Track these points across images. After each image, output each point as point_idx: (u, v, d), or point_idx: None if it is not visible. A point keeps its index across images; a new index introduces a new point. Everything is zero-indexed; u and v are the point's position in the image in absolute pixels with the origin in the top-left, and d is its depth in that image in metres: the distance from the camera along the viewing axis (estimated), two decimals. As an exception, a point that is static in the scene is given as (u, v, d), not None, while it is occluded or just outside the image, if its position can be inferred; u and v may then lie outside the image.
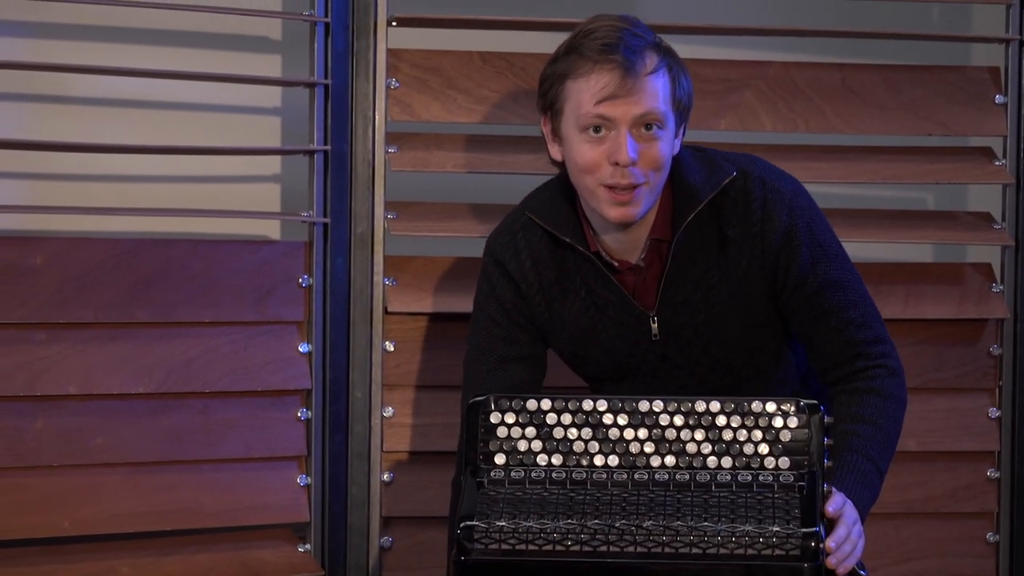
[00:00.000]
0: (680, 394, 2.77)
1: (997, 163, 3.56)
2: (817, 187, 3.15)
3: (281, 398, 3.37)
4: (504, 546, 2.53)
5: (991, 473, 3.57)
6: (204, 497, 3.32)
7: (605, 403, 2.68)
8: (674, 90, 2.75)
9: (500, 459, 2.68)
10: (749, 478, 2.63)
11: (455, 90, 3.42)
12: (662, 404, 2.67)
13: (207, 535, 3.35)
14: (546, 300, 2.88)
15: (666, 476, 2.64)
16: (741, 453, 2.65)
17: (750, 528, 2.53)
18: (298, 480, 3.38)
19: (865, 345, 2.82)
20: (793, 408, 2.65)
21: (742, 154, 2.90)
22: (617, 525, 2.54)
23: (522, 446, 2.68)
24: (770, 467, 2.64)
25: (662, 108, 2.72)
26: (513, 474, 2.66)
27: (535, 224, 2.87)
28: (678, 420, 2.67)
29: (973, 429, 3.56)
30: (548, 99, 2.78)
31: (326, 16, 3.35)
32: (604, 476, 2.65)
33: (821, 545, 2.52)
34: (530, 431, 2.69)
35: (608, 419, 2.68)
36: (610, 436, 2.67)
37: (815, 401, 2.66)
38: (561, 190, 2.86)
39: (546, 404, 2.69)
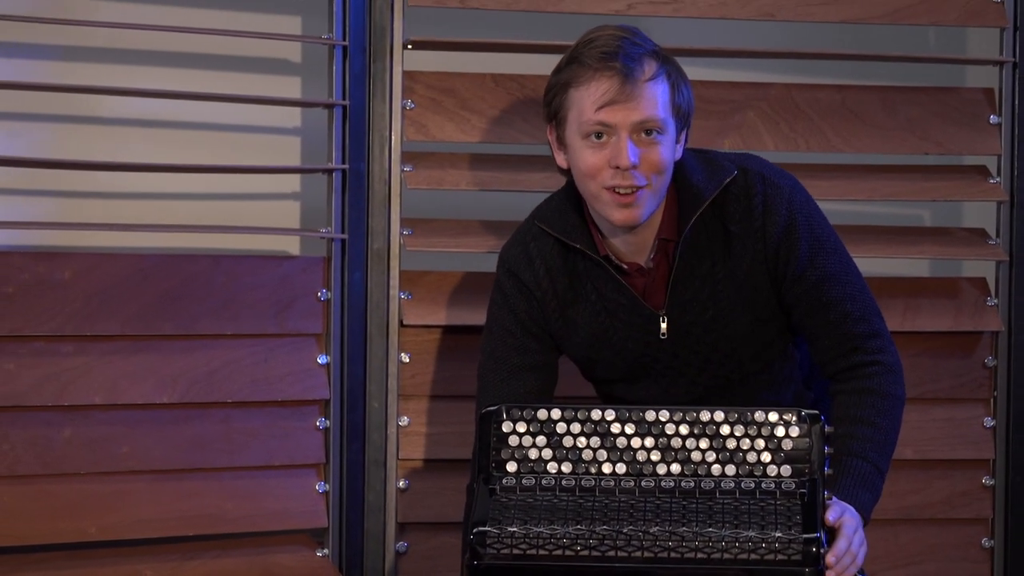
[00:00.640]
0: (690, 393, 2.79)
1: (992, 181, 3.57)
2: (818, 204, 3.16)
3: (300, 408, 3.38)
4: (516, 551, 2.56)
5: (986, 481, 3.58)
6: (226, 504, 3.33)
7: (613, 412, 2.69)
8: (673, 96, 2.75)
9: (512, 467, 2.69)
10: (752, 485, 2.65)
11: (469, 111, 3.44)
12: (668, 413, 2.68)
13: (229, 540, 3.36)
14: (560, 307, 2.88)
15: (672, 483, 2.65)
16: (744, 461, 2.66)
17: (753, 534, 2.54)
18: (317, 487, 3.39)
19: (862, 339, 2.82)
20: (795, 418, 2.67)
21: (740, 153, 2.92)
22: (625, 531, 2.56)
23: (533, 454, 2.70)
24: (772, 475, 2.65)
25: (661, 114, 2.72)
26: (524, 481, 2.67)
27: (545, 233, 2.87)
28: (684, 429, 2.68)
29: (969, 438, 3.57)
30: (552, 108, 2.78)
31: (344, 40, 3.36)
32: (612, 483, 2.66)
33: (822, 550, 2.53)
34: (540, 440, 2.70)
35: (616, 428, 2.69)
36: (618, 444, 2.69)
37: (816, 411, 2.68)
38: (568, 198, 2.87)
39: (556, 414, 2.71)
